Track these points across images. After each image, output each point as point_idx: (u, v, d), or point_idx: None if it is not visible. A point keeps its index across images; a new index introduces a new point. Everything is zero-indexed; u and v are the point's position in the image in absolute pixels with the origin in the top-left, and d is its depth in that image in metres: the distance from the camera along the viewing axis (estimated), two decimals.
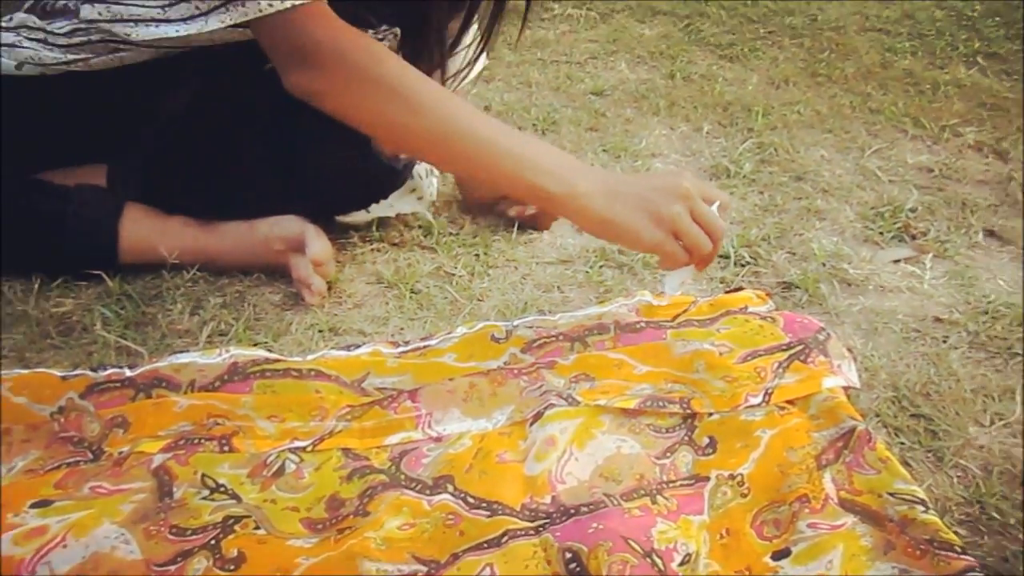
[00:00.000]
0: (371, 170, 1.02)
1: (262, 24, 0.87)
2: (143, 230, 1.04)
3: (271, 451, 0.76)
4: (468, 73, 1.22)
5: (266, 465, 0.74)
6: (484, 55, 1.24)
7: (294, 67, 0.89)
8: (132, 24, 0.96)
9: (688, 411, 0.81)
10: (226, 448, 0.76)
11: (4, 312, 0.99)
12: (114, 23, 0.97)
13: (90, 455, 0.76)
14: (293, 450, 0.76)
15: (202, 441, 0.76)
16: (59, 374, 0.84)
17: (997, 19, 2.37)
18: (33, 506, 0.69)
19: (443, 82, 1.18)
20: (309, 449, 0.77)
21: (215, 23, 0.90)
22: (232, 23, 0.89)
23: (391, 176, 1.05)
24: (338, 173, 1.02)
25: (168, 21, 0.94)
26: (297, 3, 0.85)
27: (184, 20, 0.92)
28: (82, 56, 1.00)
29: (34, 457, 0.76)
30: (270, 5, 0.85)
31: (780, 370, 0.85)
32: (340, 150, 1.01)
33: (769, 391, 0.83)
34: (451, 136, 0.87)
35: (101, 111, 1.05)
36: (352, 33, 0.89)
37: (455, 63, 1.18)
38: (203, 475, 0.73)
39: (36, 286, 1.02)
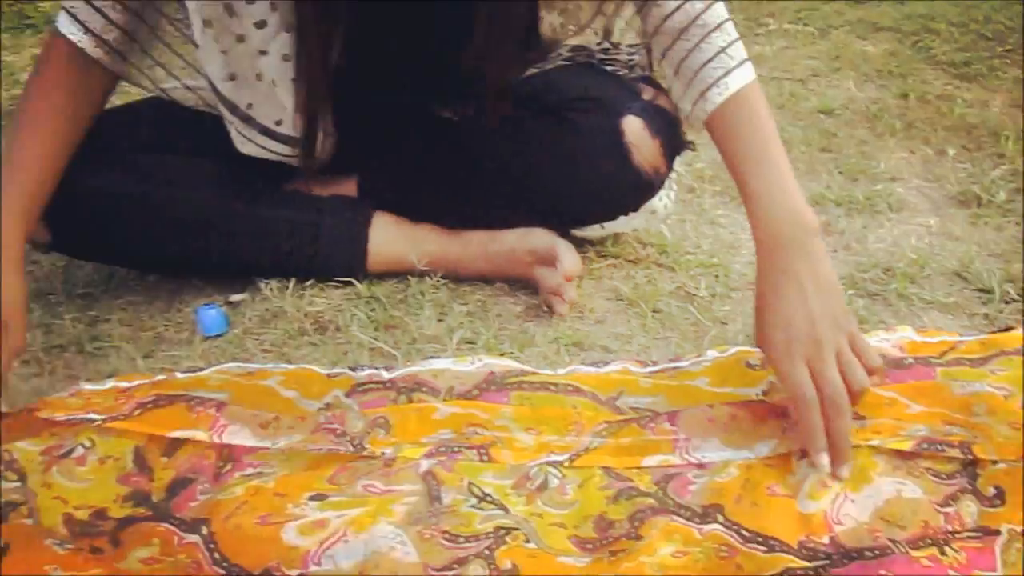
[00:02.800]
0: (629, 180, 1.01)
1: None
2: (391, 238, 1.08)
3: (531, 463, 0.76)
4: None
5: (529, 478, 0.74)
6: None
7: None
8: None
9: (969, 457, 0.76)
10: (485, 458, 0.77)
11: (263, 308, 1.05)
12: None
13: (351, 448, 0.78)
14: (552, 464, 0.76)
15: (462, 449, 0.77)
16: (323, 372, 0.87)
17: None
18: (311, 499, 0.72)
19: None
20: (567, 464, 0.76)
21: None
22: None
23: (647, 188, 1.03)
24: (596, 183, 1.01)
25: None
26: None
27: None
28: None
29: (297, 439, 0.79)
30: None
31: None
32: (601, 160, 1.00)
33: None
34: None
35: (355, 126, 1.10)
36: None
37: None
38: (470, 483, 0.73)
39: (290, 285, 1.07)
